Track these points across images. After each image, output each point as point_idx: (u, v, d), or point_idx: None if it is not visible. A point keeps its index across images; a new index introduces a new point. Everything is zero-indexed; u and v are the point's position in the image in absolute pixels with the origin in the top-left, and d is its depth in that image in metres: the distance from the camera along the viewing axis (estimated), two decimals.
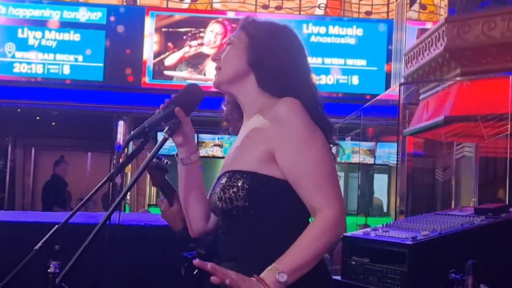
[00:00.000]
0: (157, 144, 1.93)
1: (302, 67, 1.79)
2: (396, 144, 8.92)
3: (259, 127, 1.72)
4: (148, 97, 9.76)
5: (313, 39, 10.23)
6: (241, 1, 11.06)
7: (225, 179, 1.73)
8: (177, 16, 10.47)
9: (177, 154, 1.94)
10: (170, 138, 1.92)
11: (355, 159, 10.66)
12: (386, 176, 12.25)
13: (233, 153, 1.81)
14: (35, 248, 2.00)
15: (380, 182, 12.49)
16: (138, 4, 11.23)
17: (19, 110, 11.47)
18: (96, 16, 10.30)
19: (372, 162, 12.29)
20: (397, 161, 8.38)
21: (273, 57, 1.76)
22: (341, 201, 1.65)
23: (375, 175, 13.03)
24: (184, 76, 10.10)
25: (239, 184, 1.67)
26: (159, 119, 1.93)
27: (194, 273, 2.39)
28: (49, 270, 1.84)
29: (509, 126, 5.07)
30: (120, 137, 11.61)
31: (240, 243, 1.71)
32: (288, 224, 1.68)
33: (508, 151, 5.73)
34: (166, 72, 10.13)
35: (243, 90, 1.81)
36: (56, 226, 2.13)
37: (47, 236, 2.07)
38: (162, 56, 10.22)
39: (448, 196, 7.33)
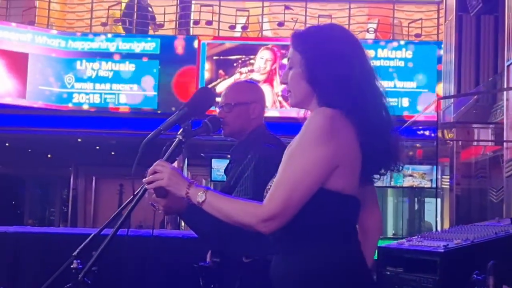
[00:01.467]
0: (171, 146, 2.03)
1: (353, 71, 1.79)
2: (449, 166, 8.80)
3: None
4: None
5: None
6: (291, 28, 11.23)
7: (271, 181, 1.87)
8: (228, 44, 10.74)
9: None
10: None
11: (407, 182, 10.53)
12: (439, 199, 12.04)
13: None
14: (73, 254, 2.14)
15: (433, 205, 12.29)
16: (190, 33, 11.56)
17: (79, 140, 11.90)
18: (150, 46, 10.68)
19: (429, 186, 12.09)
20: (436, 182, 8.23)
21: (323, 75, 1.79)
22: (278, 210, 1.71)
23: (428, 199, 12.81)
24: None
25: None
26: (173, 122, 2.05)
27: (212, 286, 2.48)
28: (72, 266, 1.96)
29: None
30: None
31: (285, 239, 1.83)
32: (319, 228, 1.78)
33: None
34: (218, 99, 10.32)
35: (312, 106, 1.87)
36: (93, 234, 2.27)
37: (84, 243, 2.21)
38: (213, 83, 10.46)
39: (501, 216, 7.16)
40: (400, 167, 1.89)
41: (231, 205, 1.79)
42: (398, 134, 1.88)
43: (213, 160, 12.09)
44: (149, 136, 2.03)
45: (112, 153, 13.14)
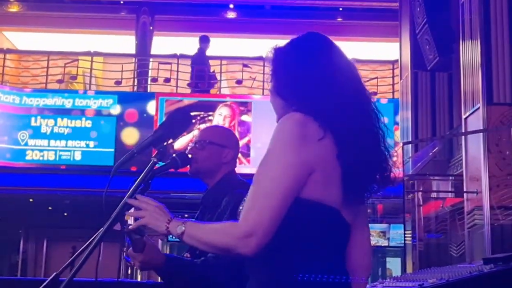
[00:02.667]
0: (145, 169, 1.95)
1: (323, 79, 1.70)
2: (411, 221, 8.77)
3: None
4: (159, 180, 9.76)
5: None
6: (249, 86, 11.33)
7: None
8: (186, 101, 10.71)
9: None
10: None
11: None
12: (399, 259, 12.00)
13: None
14: None
15: (395, 265, 12.22)
16: (148, 90, 11.53)
17: (31, 200, 11.54)
18: (107, 103, 10.56)
19: (386, 244, 12.06)
20: (404, 239, 8.14)
21: (287, 84, 1.72)
22: (255, 225, 1.57)
23: (389, 259, 12.75)
24: None
25: None
26: (148, 144, 1.97)
27: None
28: None
29: None
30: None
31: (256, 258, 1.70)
32: (282, 239, 1.64)
33: None
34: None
35: (278, 115, 1.80)
36: (55, 273, 2.13)
37: (45, 283, 2.08)
38: (171, 140, 10.30)
39: None
40: (385, 188, 1.75)
41: (209, 231, 1.67)
42: (389, 151, 1.74)
43: None
44: (121, 159, 1.96)
45: (65, 214, 12.76)
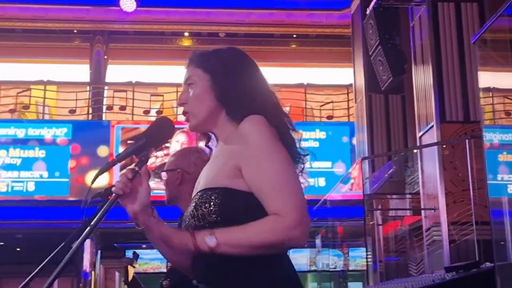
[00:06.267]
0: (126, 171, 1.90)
1: (260, 84, 1.81)
2: (372, 242, 8.79)
3: (227, 146, 1.76)
4: (116, 211, 9.59)
5: None
6: None
7: (198, 198, 1.72)
8: (142, 129, 10.59)
9: (137, 224, 1.77)
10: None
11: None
12: (360, 284, 11.99)
13: (204, 173, 1.81)
14: None
15: None
16: (103, 119, 11.38)
17: None
18: (62, 132, 10.35)
19: (347, 269, 12.05)
20: (367, 262, 8.17)
21: (236, 87, 1.77)
22: (299, 210, 1.60)
23: (351, 284, 12.73)
24: (151, 186, 9.99)
25: (211, 200, 1.68)
26: (130, 152, 1.90)
27: None
28: None
29: (471, 194, 5.08)
30: (86, 258, 11.27)
31: (214, 259, 1.66)
32: None
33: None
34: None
35: (216, 124, 1.81)
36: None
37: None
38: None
39: None
40: None
41: (250, 232, 1.60)
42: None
43: (127, 251, 11.67)
44: (101, 168, 1.89)
45: (18, 249, 12.39)
